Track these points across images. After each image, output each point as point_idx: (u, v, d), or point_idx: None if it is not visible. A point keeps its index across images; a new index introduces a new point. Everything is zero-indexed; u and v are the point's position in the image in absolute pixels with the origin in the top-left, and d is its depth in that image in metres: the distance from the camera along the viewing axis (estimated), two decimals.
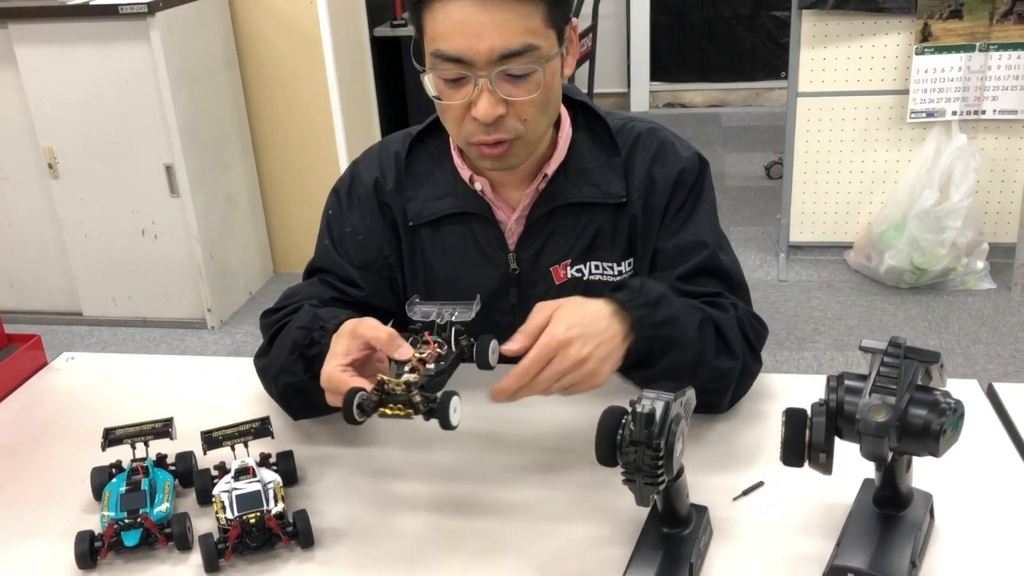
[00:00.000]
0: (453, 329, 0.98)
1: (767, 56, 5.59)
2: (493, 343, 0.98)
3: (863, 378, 0.84)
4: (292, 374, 1.11)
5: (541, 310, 0.98)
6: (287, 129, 3.53)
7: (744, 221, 4.04)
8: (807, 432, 0.85)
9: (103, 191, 3.25)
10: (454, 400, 0.89)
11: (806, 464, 0.86)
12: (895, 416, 0.80)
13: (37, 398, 1.33)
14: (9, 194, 3.38)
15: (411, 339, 0.98)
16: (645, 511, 0.94)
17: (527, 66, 1.05)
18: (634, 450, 0.80)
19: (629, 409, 0.83)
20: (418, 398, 0.89)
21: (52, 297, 3.53)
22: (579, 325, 0.96)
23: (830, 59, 3.29)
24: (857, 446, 0.83)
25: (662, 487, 0.83)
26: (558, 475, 1.07)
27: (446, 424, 0.88)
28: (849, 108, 3.35)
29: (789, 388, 1.22)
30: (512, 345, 0.97)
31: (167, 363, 1.44)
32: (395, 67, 4.21)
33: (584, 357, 0.95)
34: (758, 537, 0.96)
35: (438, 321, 0.98)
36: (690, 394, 0.90)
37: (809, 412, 0.85)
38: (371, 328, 0.99)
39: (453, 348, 0.97)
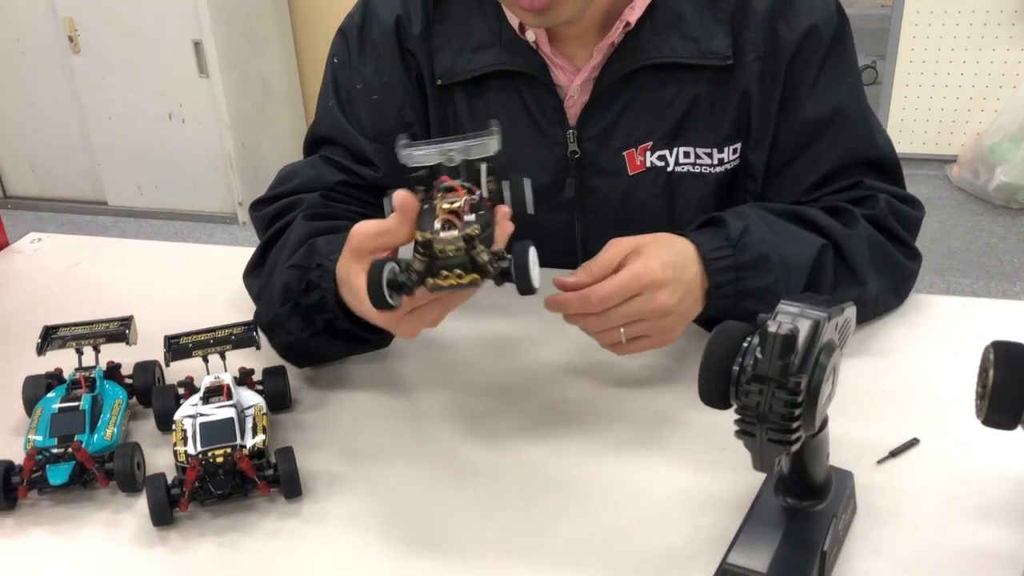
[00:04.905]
0: (485, 167, 0.73)
1: None
2: (532, 253, 0.70)
3: None
4: (288, 332, 0.89)
5: (615, 245, 0.82)
6: (329, 3, 3.34)
7: None
8: None
9: (127, 69, 3.17)
10: (532, 252, 0.68)
11: (1019, 428, 0.64)
12: None
13: None
14: (28, 70, 3.31)
15: (423, 192, 0.73)
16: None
17: None
18: (759, 389, 0.60)
19: (756, 326, 0.61)
20: (485, 256, 0.68)
21: (76, 185, 3.50)
22: (673, 267, 0.81)
23: None
24: None
25: (795, 447, 0.62)
26: (630, 410, 0.86)
27: (526, 285, 0.68)
28: None
29: (945, 312, 1.00)
30: (570, 278, 0.81)
31: (150, 251, 1.29)
32: None
33: (670, 307, 0.80)
34: (912, 516, 0.74)
35: (446, 164, 0.72)
36: (849, 312, 0.66)
37: None
38: (371, 228, 0.73)
39: (485, 193, 0.73)
